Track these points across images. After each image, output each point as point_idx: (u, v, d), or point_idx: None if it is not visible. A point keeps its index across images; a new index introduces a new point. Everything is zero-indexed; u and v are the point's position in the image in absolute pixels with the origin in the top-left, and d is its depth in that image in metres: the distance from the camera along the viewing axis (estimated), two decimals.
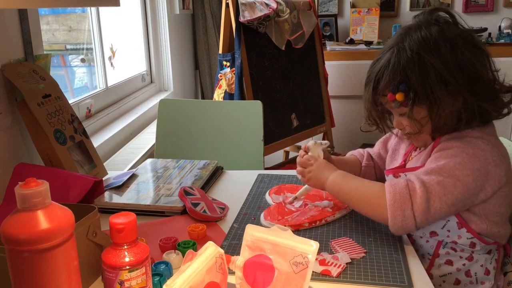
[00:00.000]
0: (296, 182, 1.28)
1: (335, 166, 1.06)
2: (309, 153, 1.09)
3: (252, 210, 1.10)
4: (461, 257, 0.98)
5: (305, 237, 0.74)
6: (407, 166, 1.04)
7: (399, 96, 0.91)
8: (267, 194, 1.19)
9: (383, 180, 1.03)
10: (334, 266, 0.85)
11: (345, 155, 1.26)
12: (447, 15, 0.95)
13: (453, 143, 0.93)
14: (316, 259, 0.86)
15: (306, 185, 1.10)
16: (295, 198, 1.11)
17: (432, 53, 0.90)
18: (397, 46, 0.93)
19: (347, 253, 0.89)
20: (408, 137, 1.04)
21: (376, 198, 0.93)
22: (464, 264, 0.98)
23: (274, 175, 1.34)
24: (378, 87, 0.96)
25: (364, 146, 1.33)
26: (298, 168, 1.08)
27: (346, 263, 0.86)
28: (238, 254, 0.86)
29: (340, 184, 1.00)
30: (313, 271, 0.82)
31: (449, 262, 0.99)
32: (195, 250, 0.91)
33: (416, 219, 0.88)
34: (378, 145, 1.23)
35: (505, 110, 0.96)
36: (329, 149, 1.18)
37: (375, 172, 1.21)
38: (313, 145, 1.10)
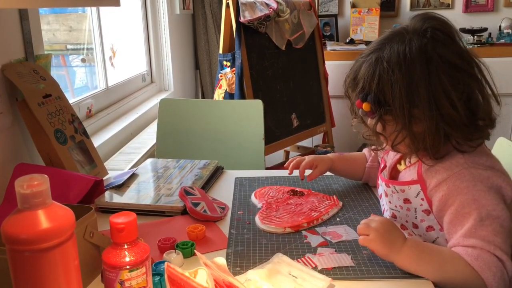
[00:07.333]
0: (275, 183, 1.28)
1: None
2: None
3: (244, 215, 1.10)
4: None
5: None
6: (400, 178, 0.98)
7: (365, 106, 0.90)
8: (252, 196, 1.19)
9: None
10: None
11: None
12: (439, 29, 0.87)
13: (455, 182, 0.85)
14: (321, 254, 0.90)
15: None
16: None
17: (405, 73, 0.85)
18: (377, 53, 0.89)
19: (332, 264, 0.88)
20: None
21: (470, 279, 0.81)
22: None
23: (252, 178, 1.32)
24: (356, 89, 0.93)
25: (364, 146, 1.33)
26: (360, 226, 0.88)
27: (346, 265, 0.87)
28: (246, 261, 0.89)
29: (416, 264, 0.84)
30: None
31: None
32: (193, 250, 0.91)
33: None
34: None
35: (477, 142, 0.88)
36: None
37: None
38: None
